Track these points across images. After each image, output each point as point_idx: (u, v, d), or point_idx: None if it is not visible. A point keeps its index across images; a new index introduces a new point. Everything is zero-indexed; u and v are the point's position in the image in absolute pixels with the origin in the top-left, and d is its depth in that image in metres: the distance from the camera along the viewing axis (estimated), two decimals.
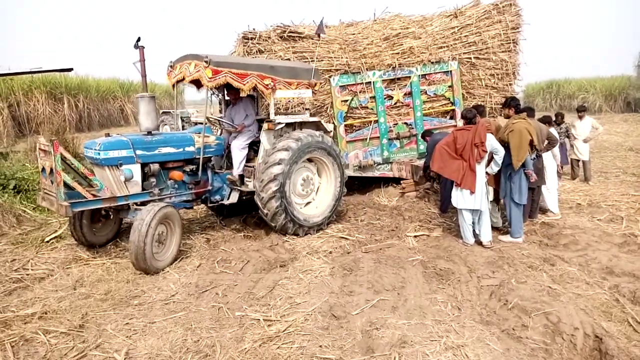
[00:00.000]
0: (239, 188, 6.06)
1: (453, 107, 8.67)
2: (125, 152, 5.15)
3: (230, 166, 6.22)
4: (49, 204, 4.86)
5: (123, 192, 5.15)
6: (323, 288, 4.38)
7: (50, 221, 6.61)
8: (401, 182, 8.09)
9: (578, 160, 8.81)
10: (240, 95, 6.39)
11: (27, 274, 4.84)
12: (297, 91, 6.16)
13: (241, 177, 6.15)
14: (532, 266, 4.79)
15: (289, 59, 7.49)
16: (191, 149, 5.77)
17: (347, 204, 7.31)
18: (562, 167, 7.95)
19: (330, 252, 5.38)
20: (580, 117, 8.78)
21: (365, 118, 8.17)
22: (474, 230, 5.52)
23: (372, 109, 8.18)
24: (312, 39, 7.73)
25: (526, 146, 5.29)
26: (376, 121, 8.19)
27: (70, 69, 11.98)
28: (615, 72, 28.58)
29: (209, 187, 6.06)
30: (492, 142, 5.25)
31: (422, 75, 8.36)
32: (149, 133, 5.52)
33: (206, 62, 5.22)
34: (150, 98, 5.51)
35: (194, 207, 6.65)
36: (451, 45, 8.49)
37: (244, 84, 5.56)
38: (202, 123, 6.08)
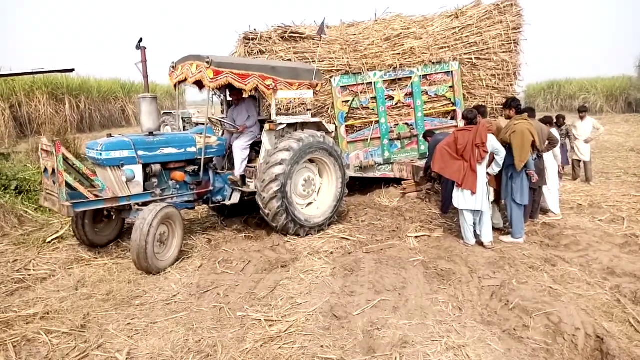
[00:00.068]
0: (240, 189, 6.07)
1: (454, 108, 8.68)
2: (127, 152, 5.16)
3: (231, 167, 6.24)
4: (51, 205, 4.88)
5: (125, 193, 5.16)
6: (324, 288, 4.38)
7: (52, 222, 6.63)
8: (402, 182, 8.09)
9: (579, 161, 8.81)
10: (243, 96, 6.40)
11: (29, 275, 4.86)
12: (298, 92, 6.17)
13: (243, 177, 6.16)
14: (533, 267, 4.79)
15: (290, 60, 7.50)
16: (193, 149, 5.78)
17: (348, 204, 7.31)
18: (563, 168, 7.95)
19: (332, 253, 5.39)
20: (582, 118, 8.78)
21: (366, 119, 8.18)
22: (475, 231, 5.52)
23: (373, 109, 8.18)
24: (313, 39, 7.74)
25: (528, 147, 5.29)
26: (377, 122, 8.19)
27: (71, 70, 11.98)
28: (617, 72, 28.61)
29: (211, 188, 6.07)
30: (493, 143, 5.25)
31: (423, 75, 8.36)
32: (151, 134, 5.53)
33: (208, 62, 5.24)
34: (151, 99, 5.52)
35: (196, 208, 6.66)
36: (452, 46, 8.50)
37: (246, 85, 5.57)
38: (203, 124, 6.09)
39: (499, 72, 8.79)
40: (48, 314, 3.97)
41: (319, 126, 6.39)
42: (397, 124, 8.39)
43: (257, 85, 5.67)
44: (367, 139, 8.19)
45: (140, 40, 5.69)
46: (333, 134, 6.79)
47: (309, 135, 5.94)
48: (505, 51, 8.75)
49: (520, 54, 8.91)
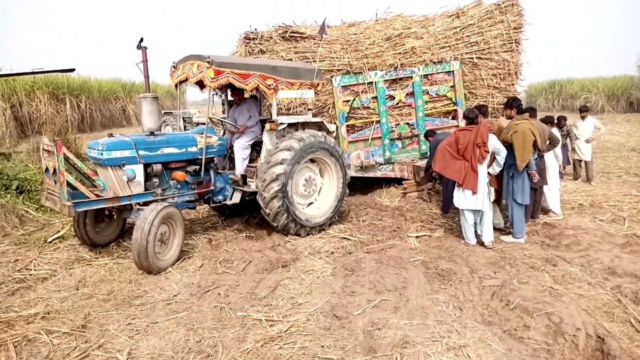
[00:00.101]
0: (241, 188, 6.07)
1: (455, 108, 8.67)
2: (127, 152, 5.17)
3: (232, 166, 6.24)
4: (52, 204, 4.89)
5: (126, 192, 5.17)
6: (325, 288, 4.38)
7: (52, 222, 6.63)
8: (403, 182, 8.08)
9: (580, 161, 8.81)
10: (244, 96, 6.40)
11: (30, 275, 4.86)
12: (299, 91, 6.17)
13: (244, 177, 6.16)
14: (534, 267, 4.79)
15: (290, 59, 7.50)
16: (194, 149, 5.78)
17: (348, 204, 7.31)
18: (564, 168, 7.95)
19: (332, 253, 5.39)
20: (583, 118, 8.77)
21: (367, 118, 8.17)
22: (475, 231, 5.52)
23: (374, 109, 8.18)
24: (314, 39, 7.74)
25: (530, 147, 5.29)
26: (378, 121, 8.19)
27: (72, 70, 12.00)
28: (618, 72, 28.54)
29: (212, 188, 6.07)
30: (494, 143, 5.25)
31: (424, 75, 8.36)
32: (152, 133, 5.54)
33: (208, 62, 5.24)
34: (152, 98, 5.53)
35: (197, 208, 6.67)
36: (453, 45, 8.48)
37: (246, 84, 5.57)
38: (204, 123, 6.09)
39: (500, 72, 8.78)
40: (49, 313, 3.97)
41: (320, 126, 6.39)
42: (398, 124, 8.38)
43: (257, 85, 5.67)
44: (368, 139, 8.18)
45: (141, 40, 5.70)
46: (334, 134, 6.79)
47: (310, 135, 5.94)
48: (506, 51, 8.74)
49: (522, 53, 8.89)
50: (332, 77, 7.77)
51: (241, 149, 6.06)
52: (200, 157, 5.80)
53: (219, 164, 6.34)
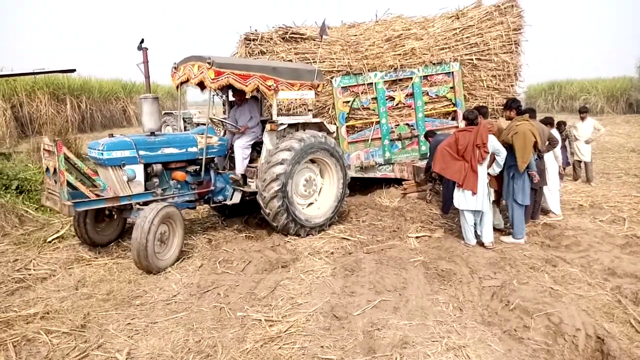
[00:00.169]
0: (241, 188, 6.08)
1: (455, 108, 8.68)
2: (128, 152, 5.17)
3: (233, 167, 6.24)
4: (52, 204, 4.89)
5: (126, 192, 5.17)
6: (324, 289, 4.38)
7: (52, 221, 6.63)
8: (403, 183, 8.09)
9: (580, 162, 8.82)
10: (245, 96, 6.41)
11: (30, 274, 4.86)
12: (299, 92, 6.18)
13: (244, 177, 6.17)
14: (533, 267, 4.79)
15: (290, 60, 7.51)
16: (194, 149, 5.79)
17: (348, 204, 7.31)
18: (564, 169, 7.95)
19: (332, 253, 5.39)
20: (583, 119, 8.78)
21: (367, 119, 8.18)
22: (475, 231, 5.52)
23: (373, 110, 8.18)
24: (314, 40, 7.74)
25: (530, 148, 5.29)
26: (378, 122, 8.19)
27: (73, 70, 12.00)
28: (617, 73, 28.53)
29: (212, 188, 6.08)
30: (493, 143, 5.25)
31: (423, 76, 8.36)
32: (152, 134, 5.54)
33: (209, 63, 5.25)
34: (153, 99, 5.53)
35: (196, 208, 6.67)
36: (453, 47, 8.49)
37: (246, 85, 5.58)
38: (204, 124, 6.10)
39: (499, 73, 8.79)
40: (48, 313, 3.97)
41: (320, 127, 6.39)
42: (398, 125, 8.38)
43: (258, 86, 5.68)
44: (367, 140, 8.19)
45: (142, 41, 5.70)
46: (334, 135, 6.79)
47: (311, 136, 5.94)
48: (505, 52, 8.75)
49: (521, 54, 8.91)
50: (332, 78, 7.78)
51: (241, 148, 6.07)
52: (200, 157, 5.81)
53: (219, 164, 6.34)
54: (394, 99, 8.27)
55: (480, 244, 5.48)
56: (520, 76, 9.03)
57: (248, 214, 6.96)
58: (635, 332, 3.54)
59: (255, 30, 7.72)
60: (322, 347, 3.42)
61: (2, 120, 17.05)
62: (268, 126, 5.94)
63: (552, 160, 6.53)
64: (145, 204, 5.24)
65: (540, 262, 4.90)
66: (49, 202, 4.97)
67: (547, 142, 6.11)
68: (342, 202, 6.46)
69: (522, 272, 4.66)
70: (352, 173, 7.79)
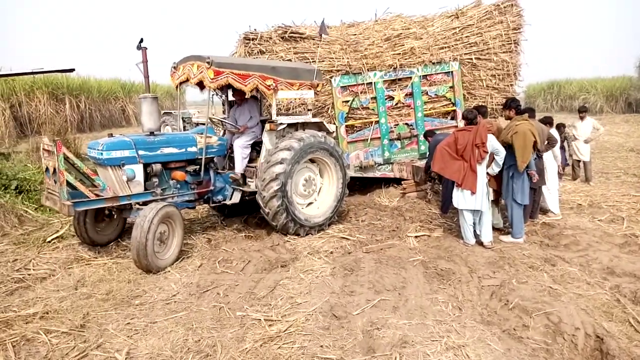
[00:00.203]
0: (241, 188, 6.08)
1: (454, 108, 8.68)
2: (127, 152, 5.17)
3: (232, 167, 6.24)
4: (52, 203, 4.89)
5: (125, 192, 5.17)
6: (324, 288, 4.39)
7: (51, 221, 6.63)
8: (402, 182, 8.09)
9: (579, 161, 8.82)
10: (245, 96, 6.40)
11: (29, 274, 4.86)
12: (299, 92, 6.18)
13: (243, 177, 6.17)
14: (533, 266, 4.79)
15: (290, 60, 7.51)
16: (193, 149, 5.78)
17: (348, 204, 7.31)
18: (563, 169, 7.96)
19: (331, 252, 5.39)
20: (582, 118, 8.79)
21: (366, 119, 8.18)
22: (474, 231, 5.53)
23: (373, 109, 8.18)
24: (314, 39, 7.74)
25: (530, 147, 5.29)
26: (377, 122, 8.20)
27: (71, 70, 11.99)
28: (616, 72, 28.59)
29: (212, 187, 6.07)
30: (493, 143, 5.26)
31: (423, 75, 8.36)
32: (152, 133, 5.54)
33: (208, 63, 5.25)
34: (152, 99, 5.53)
35: (196, 207, 6.67)
36: (452, 46, 8.50)
37: (245, 85, 5.58)
38: (203, 124, 6.10)
39: (499, 73, 8.80)
40: (47, 313, 3.97)
41: (319, 126, 6.40)
42: (397, 124, 8.39)
43: (257, 86, 5.67)
44: (367, 139, 8.19)
45: (141, 40, 5.70)
46: (334, 134, 6.79)
47: (310, 135, 5.94)
48: (505, 51, 8.75)
49: (521, 54, 8.92)
50: (331, 77, 7.77)
51: (241, 148, 6.07)
52: (200, 157, 5.81)
53: (218, 164, 6.34)
54: (393, 98, 8.27)
55: (480, 243, 5.48)
56: (520, 75, 9.05)
57: (247, 214, 6.96)
58: (634, 331, 3.54)
59: (255, 29, 7.71)
60: (321, 346, 3.42)
61: (1, 120, 17.06)
62: (267, 126, 5.94)
63: (551, 160, 6.54)
64: (145, 203, 5.24)
65: (539, 262, 4.91)
66: (48, 202, 4.97)
67: (546, 142, 6.11)
68: (342, 202, 6.46)
69: (521, 271, 4.67)
70: (351, 173, 7.79)
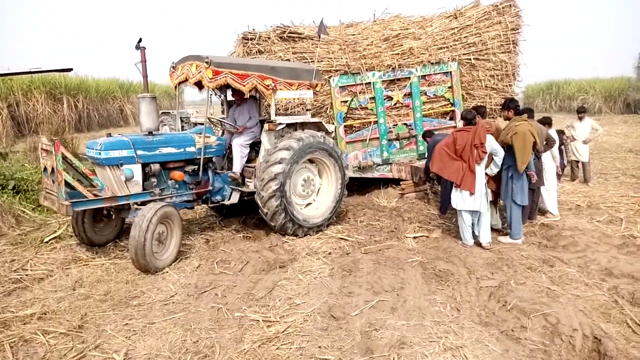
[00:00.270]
0: (239, 188, 6.07)
1: (453, 108, 8.68)
2: (126, 152, 5.16)
3: (231, 167, 6.23)
4: (50, 203, 4.88)
5: (124, 192, 5.16)
6: (322, 289, 4.38)
7: (49, 222, 6.61)
8: (401, 183, 8.09)
9: (577, 162, 8.83)
10: (245, 96, 6.40)
11: (27, 275, 4.84)
12: (298, 92, 6.17)
13: (242, 177, 6.16)
14: (531, 267, 4.80)
15: (288, 60, 7.50)
16: (192, 149, 5.78)
17: (346, 204, 7.31)
18: (562, 170, 7.96)
19: (330, 253, 5.39)
20: (580, 118, 8.80)
21: (364, 119, 8.18)
22: (473, 232, 5.53)
23: (371, 109, 8.18)
24: (312, 39, 7.74)
25: (530, 148, 5.30)
26: (376, 122, 8.19)
27: (69, 69, 11.99)
28: (615, 73, 28.64)
29: (210, 188, 6.06)
30: (491, 144, 5.26)
31: (421, 76, 8.37)
32: (150, 133, 5.53)
33: (207, 63, 5.24)
34: (151, 98, 5.52)
35: (194, 208, 6.66)
36: (451, 46, 8.50)
37: (244, 85, 5.57)
38: (202, 124, 6.09)
39: (497, 73, 8.81)
40: (45, 314, 3.96)
41: (318, 126, 6.39)
42: (396, 125, 8.39)
43: (256, 86, 5.67)
44: (365, 139, 8.19)
45: (140, 40, 5.68)
46: (333, 135, 6.79)
47: (309, 135, 5.94)
48: (504, 52, 8.76)
49: (519, 54, 8.93)
50: (330, 77, 7.77)
51: (240, 147, 6.07)
52: (198, 157, 5.80)
53: (217, 164, 6.33)
54: (392, 98, 8.27)
55: (478, 244, 5.49)
56: (519, 76, 9.05)
57: (246, 214, 6.95)
58: (632, 333, 3.55)
59: (253, 29, 7.71)
60: (319, 347, 3.42)
61: None
62: (266, 126, 5.93)
63: (549, 161, 6.55)
64: (143, 203, 5.23)
65: (538, 263, 4.91)
66: (47, 202, 4.96)
67: (544, 142, 6.12)
68: (341, 203, 6.46)
69: (519, 272, 4.67)
70: (349, 173, 7.77)
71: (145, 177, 5.43)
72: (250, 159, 6.27)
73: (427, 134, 7.72)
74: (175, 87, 6.14)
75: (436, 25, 8.66)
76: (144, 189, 5.37)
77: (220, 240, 5.94)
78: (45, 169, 4.99)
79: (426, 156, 7.63)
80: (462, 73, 8.64)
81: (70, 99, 21.78)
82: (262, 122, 6.34)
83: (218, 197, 6.17)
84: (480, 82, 8.80)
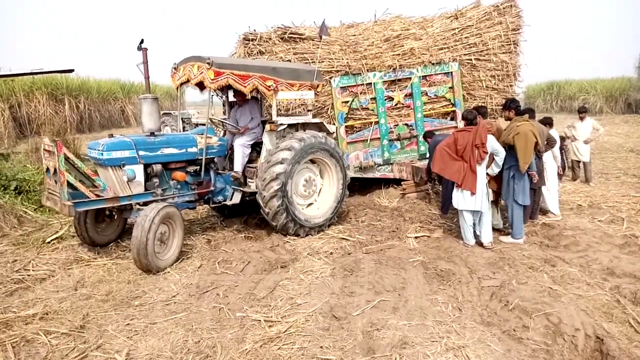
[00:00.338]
0: (241, 188, 6.08)
1: (454, 109, 8.68)
2: (128, 152, 5.17)
3: (232, 167, 6.24)
4: (52, 204, 4.89)
5: (126, 192, 5.17)
6: (324, 289, 4.38)
7: (51, 222, 6.62)
8: (402, 183, 8.09)
9: (579, 162, 8.83)
10: (247, 97, 6.41)
11: (28, 275, 4.85)
12: (299, 92, 6.18)
13: (244, 177, 6.17)
14: (532, 267, 4.79)
15: (289, 60, 7.51)
16: (194, 149, 5.79)
17: (347, 204, 7.31)
18: (563, 170, 7.95)
19: (331, 253, 5.39)
20: (581, 118, 8.79)
21: (365, 119, 8.18)
22: (474, 231, 5.53)
23: (372, 110, 8.19)
24: (313, 40, 7.74)
25: (532, 148, 5.30)
26: (377, 122, 8.20)
27: (71, 70, 11.99)
28: (616, 73, 28.65)
29: (212, 188, 6.07)
30: (492, 144, 5.26)
31: (422, 76, 8.37)
32: (152, 134, 5.55)
33: (208, 63, 5.25)
34: (153, 99, 5.53)
35: (196, 208, 6.67)
36: (452, 47, 8.50)
37: (245, 86, 5.58)
38: (203, 124, 6.10)
39: (498, 73, 8.80)
40: (47, 314, 3.96)
41: (320, 127, 6.40)
42: (397, 125, 8.39)
43: (257, 86, 5.68)
44: (366, 140, 8.19)
45: (142, 41, 5.70)
46: (334, 135, 6.79)
47: (311, 136, 5.95)
48: (504, 52, 8.76)
49: (520, 54, 8.93)
50: (331, 78, 7.78)
51: (241, 147, 6.08)
52: (200, 157, 5.81)
53: (219, 164, 6.34)
54: (392, 99, 8.27)
55: (479, 244, 5.49)
56: (519, 76, 9.05)
57: (247, 215, 6.96)
58: (634, 332, 3.54)
59: (254, 30, 7.71)
60: (321, 347, 3.42)
61: (0, 121, 17.04)
62: (268, 126, 5.94)
63: (550, 161, 6.55)
64: (145, 204, 5.24)
65: (539, 262, 4.91)
66: (49, 203, 4.97)
67: (545, 142, 6.12)
68: (342, 203, 6.46)
69: (521, 272, 4.67)
70: (351, 173, 7.78)
71: (147, 177, 5.44)
72: (251, 160, 6.28)
73: (428, 135, 7.71)
74: (177, 88, 6.14)
75: (437, 26, 8.66)
76: (146, 189, 5.38)
77: (221, 240, 5.94)
78: (47, 169, 5.00)
79: (427, 156, 7.62)
80: (463, 73, 8.64)
81: (72, 99, 21.83)
82: (263, 122, 6.35)
83: (220, 198, 6.18)
84: (481, 82, 8.80)
